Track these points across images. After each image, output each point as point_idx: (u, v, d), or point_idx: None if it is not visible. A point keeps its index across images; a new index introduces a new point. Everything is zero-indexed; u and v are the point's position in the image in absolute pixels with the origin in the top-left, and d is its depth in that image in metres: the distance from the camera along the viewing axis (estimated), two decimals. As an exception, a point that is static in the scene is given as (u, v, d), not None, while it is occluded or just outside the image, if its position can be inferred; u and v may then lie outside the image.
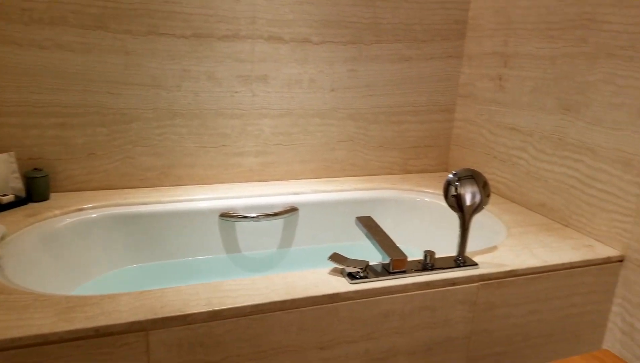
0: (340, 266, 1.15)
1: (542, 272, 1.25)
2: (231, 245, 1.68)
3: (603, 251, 1.34)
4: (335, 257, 1.16)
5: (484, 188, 1.21)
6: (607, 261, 1.31)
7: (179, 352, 0.97)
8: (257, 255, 1.71)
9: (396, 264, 1.15)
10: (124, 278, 1.52)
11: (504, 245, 1.35)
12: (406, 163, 2.00)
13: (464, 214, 1.20)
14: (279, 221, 1.71)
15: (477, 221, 1.60)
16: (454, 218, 1.68)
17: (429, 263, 1.19)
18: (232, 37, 1.65)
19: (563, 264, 1.26)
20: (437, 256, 1.24)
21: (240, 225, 1.67)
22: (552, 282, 1.27)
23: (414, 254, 1.27)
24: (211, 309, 0.98)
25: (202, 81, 1.65)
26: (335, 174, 1.91)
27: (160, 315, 0.94)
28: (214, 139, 1.71)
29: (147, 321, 0.93)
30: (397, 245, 1.21)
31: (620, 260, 1.33)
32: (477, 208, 1.20)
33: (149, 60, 1.57)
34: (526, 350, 1.31)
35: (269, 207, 1.67)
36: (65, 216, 1.44)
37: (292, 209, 1.69)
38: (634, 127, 1.30)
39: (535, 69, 1.62)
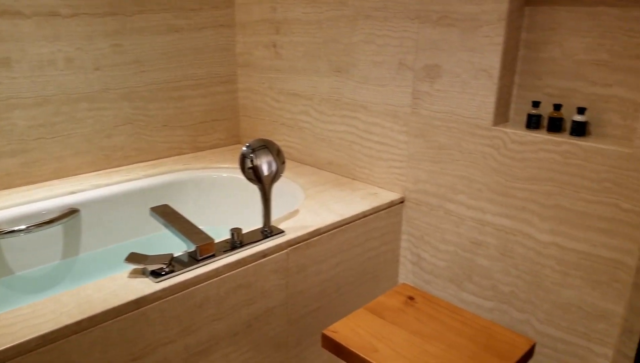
0: (141, 266, 1.03)
1: (341, 226, 1.33)
2: (-2, 269, 1.37)
3: (386, 196, 1.49)
4: (133, 257, 1.03)
5: (278, 155, 1.21)
6: (391, 204, 1.47)
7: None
8: (36, 273, 1.44)
9: (203, 249, 1.08)
10: None
11: (304, 206, 1.39)
12: (196, 141, 1.90)
13: (264, 185, 1.19)
14: (56, 229, 1.46)
15: (276, 188, 1.62)
16: (255, 189, 1.67)
17: (237, 240, 1.15)
18: (-53, 11, 1.29)
19: (357, 214, 1.36)
20: (244, 231, 1.21)
21: (6, 242, 1.37)
22: (350, 233, 1.36)
23: (223, 234, 1.21)
24: (-20, 358, 0.77)
25: None
26: (118, 163, 1.71)
27: None
28: (-54, 143, 1.35)
29: None
30: (203, 228, 1.14)
31: (401, 201, 1.50)
32: (274, 176, 1.20)
33: None
34: (338, 300, 1.40)
35: (41, 214, 1.41)
36: None
37: (71, 212, 1.45)
38: (395, 81, 1.45)
39: (305, 34, 1.67)
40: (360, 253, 1.42)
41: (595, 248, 1.14)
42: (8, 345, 0.81)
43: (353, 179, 1.64)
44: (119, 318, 0.93)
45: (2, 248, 1.37)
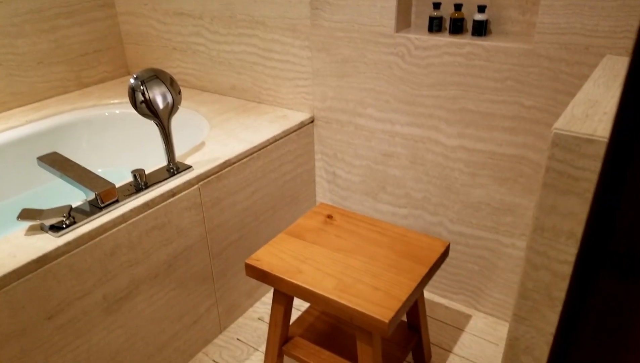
0: (37, 222, 0.97)
1: (252, 153, 1.32)
2: None
3: (296, 117, 1.49)
4: (27, 214, 0.97)
5: (172, 85, 1.15)
6: (301, 125, 1.47)
7: None
8: None
9: (105, 196, 1.04)
10: None
11: (210, 138, 1.36)
12: (79, 76, 1.76)
13: (161, 119, 1.14)
14: None
15: (178, 120, 1.56)
16: (153, 124, 1.59)
17: (140, 182, 1.11)
18: None
19: (267, 140, 1.36)
20: (148, 171, 1.17)
21: None
22: (262, 159, 1.36)
23: (125, 177, 1.16)
24: None
25: None
26: (-8, 111, 1.55)
27: None
28: None
29: None
30: (101, 171, 1.09)
31: (311, 121, 1.51)
32: (172, 109, 1.15)
33: None
34: (259, 227, 1.43)
35: None
36: None
37: (-55, 172, 1.32)
38: (292, -6, 1.40)
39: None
40: (275, 179, 1.43)
41: (500, 147, 1.24)
42: None
43: (259, 103, 1.61)
44: (21, 280, 0.89)
45: None
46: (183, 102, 1.61)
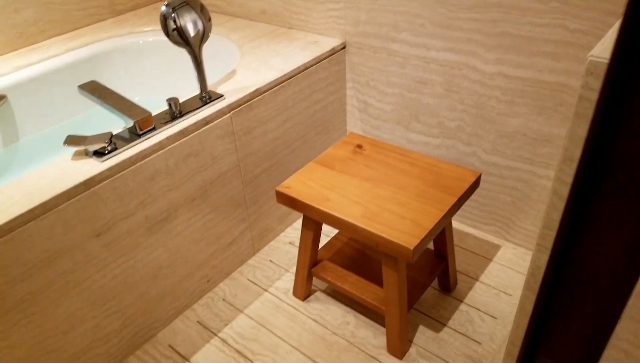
0: (82, 147, 1.07)
1: (283, 82, 1.36)
2: None
3: (327, 44, 1.50)
4: (72, 139, 1.07)
5: (203, 12, 1.18)
6: (333, 52, 1.49)
7: None
8: (-22, 167, 1.47)
9: (142, 124, 1.12)
10: None
11: (241, 65, 1.41)
12: (113, 3, 1.81)
13: (192, 47, 1.19)
14: (-14, 119, 1.46)
15: (209, 48, 1.60)
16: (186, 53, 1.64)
17: (175, 111, 1.18)
18: None
19: (298, 67, 1.39)
20: (182, 100, 1.24)
21: None
22: (293, 88, 1.40)
23: (160, 105, 1.24)
24: (-58, 256, 0.85)
25: None
26: (34, 39, 1.64)
27: None
28: None
29: None
30: (137, 100, 1.17)
31: (343, 47, 1.52)
32: (203, 37, 1.19)
33: None
34: (290, 156, 1.50)
35: (-36, 106, 1.40)
36: None
37: (-4, 100, 1.44)
38: None
39: None
40: (306, 107, 1.48)
41: (541, 74, 1.22)
42: (-34, 241, 0.88)
43: (290, 28, 1.62)
44: (71, 201, 1.00)
45: None
46: (214, 29, 1.64)
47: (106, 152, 1.07)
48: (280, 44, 1.52)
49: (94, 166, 1.04)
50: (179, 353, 1.24)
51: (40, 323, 1.02)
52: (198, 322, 1.32)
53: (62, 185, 1.00)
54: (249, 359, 1.22)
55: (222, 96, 1.25)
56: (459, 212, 1.57)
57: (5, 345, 0.98)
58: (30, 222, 0.95)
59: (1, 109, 1.47)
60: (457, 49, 1.32)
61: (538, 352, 0.78)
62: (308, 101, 1.47)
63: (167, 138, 1.14)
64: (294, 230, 1.59)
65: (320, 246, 1.39)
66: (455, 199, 1.15)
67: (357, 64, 1.53)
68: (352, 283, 1.27)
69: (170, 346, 1.26)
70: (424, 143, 1.52)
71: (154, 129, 1.14)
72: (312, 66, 1.43)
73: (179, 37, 1.16)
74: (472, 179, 1.22)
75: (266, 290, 1.39)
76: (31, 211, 0.95)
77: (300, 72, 1.40)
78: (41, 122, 1.57)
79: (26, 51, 1.60)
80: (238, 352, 1.24)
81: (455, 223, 1.58)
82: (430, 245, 1.48)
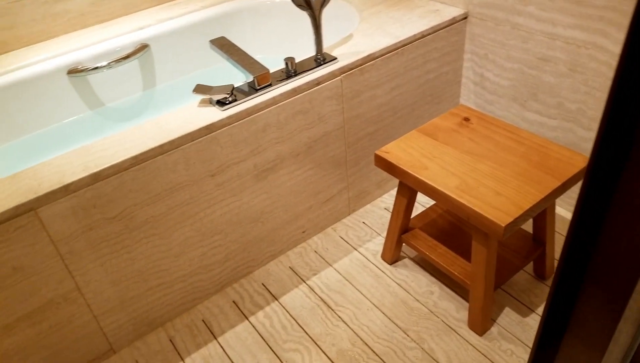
0: (207, 96, 1.26)
1: (397, 49, 1.44)
2: (92, 101, 1.69)
3: (448, 12, 1.54)
4: (200, 88, 1.26)
5: (327, -22, 1.30)
6: (453, 22, 1.52)
7: (75, 218, 1.09)
8: (124, 104, 1.75)
9: (260, 79, 1.28)
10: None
11: (358, 30, 1.50)
12: (252, -38, 1.98)
13: (313, 10, 1.31)
14: (133, 64, 1.72)
15: (329, 11, 1.71)
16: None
17: (291, 70, 1.32)
18: None
19: (414, 36, 1.45)
20: (298, 60, 1.38)
21: (93, 78, 1.67)
22: (407, 55, 1.47)
23: (279, 63, 1.38)
24: (90, 172, 1.08)
25: None
26: (177, -6, 1.87)
27: (41, 192, 1.03)
28: (21, -12, 1.58)
29: (29, 201, 1.02)
30: (259, 57, 1.32)
31: (465, 17, 1.55)
32: (324, 1, 1.31)
33: None
34: (396, 123, 1.58)
35: (117, 51, 1.66)
36: None
37: (142, 47, 1.69)
38: None
39: None
40: (418, 76, 1.54)
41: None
42: (107, 165, 1.10)
43: (414, -4, 1.68)
44: (194, 141, 1.19)
45: (91, 83, 1.67)
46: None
47: (227, 102, 1.24)
48: (400, 11, 1.58)
49: (215, 114, 1.22)
50: (269, 292, 1.42)
51: (158, 244, 1.24)
52: (290, 267, 1.48)
53: (188, 127, 1.19)
54: (331, 308, 1.36)
55: (336, 58, 1.36)
56: (566, 199, 1.55)
57: (128, 257, 1.21)
58: (159, 156, 1.16)
59: (144, 57, 1.73)
60: (586, 27, 1.29)
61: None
62: (420, 70, 1.53)
63: (281, 95, 1.28)
64: (391, 197, 1.69)
65: (414, 215, 1.47)
66: (559, 183, 1.16)
67: (477, 35, 1.55)
68: (441, 254, 1.34)
69: (263, 284, 1.44)
70: (540, 123, 1.51)
71: (270, 85, 1.29)
72: (429, 34, 1.48)
73: (303, 0, 1.29)
74: (583, 165, 1.20)
75: (356, 249, 1.51)
76: (161, 146, 1.15)
77: (415, 40, 1.46)
78: (176, 71, 1.81)
79: (168, 5, 1.84)
80: (323, 300, 1.38)
81: (561, 209, 1.56)
82: (530, 229, 1.49)
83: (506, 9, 1.44)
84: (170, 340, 1.33)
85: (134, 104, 1.77)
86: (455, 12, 1.54)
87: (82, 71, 1.61)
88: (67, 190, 1.06)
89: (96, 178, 1.09)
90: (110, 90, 1.72)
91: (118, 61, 1.63)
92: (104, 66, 1.62)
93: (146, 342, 1.33)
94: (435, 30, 1.49)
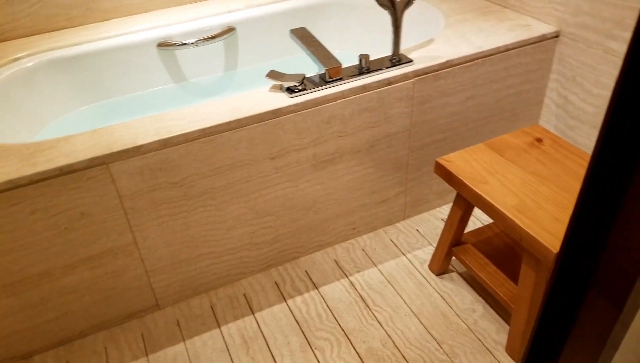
0: (279, 82, 1.33)
1: (477, 59, 1.44)
2: (176, 75, 1.83)
3: (538, 29, 1.51)
4: (273, 74, 1.33)
5: (413, -20, 1.32)
6: (542, 38, 1.49)
7: (142, 177, 1.20)
8: (205, 81, 1.87)
9: (332, 72, 1.33)
10: (77, 120, 1.71)
11: (440, 36, 1.52)
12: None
13: (395, 11, 1.34)
14: (219, 44, 1.83)
15: (414, 14, 1.72)
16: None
17: (364, 66, 1.36)
18: None
19: (498, 48, 1.44)
20: (373, 58, 1.42)
21: (180, 53, 1.80)
22: (487, 67, 1.47)
23: (354, 59, 1.42)
24: (161, 138, 1.18)
25: None
26: (273, -18, 1.97)
27: (115, 149, 1.15)
28: (132, -38, 1.74)
29: (104, 156, 1.14)
30: (338, 52, 1.37)
31: (556, 35, 1.51)
32: (407, 3, 1.34)
33: None
34: (465, 134, 1.57)
35: (206, 30, 1.78)
36: (2, 69, 1.56)
37: (229, 30, 1.80)
38: None
39: None
40: (497, 90, 1.52)
41: None
42: (177, 133, 1.20)
43: (504, 7, 1.65)
44: (260, 123, 1.27)
45: (178, 58, 1.80)
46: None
47: (297, 90, 1.31)
48: (488, 22, 1.58)
49: (284, 100, 1.29)
50: (311, 280, 1.47)
51: (213, 214, 1.33)
52: (335, 260, 1.53)
53: (256, 109, 1.26)
54: (368, 307, 1.39)
55: (411, 61, 1.39)
56: None
57: (184, 222, 1.31)
58: (225, 132, 1.24)
59: (229, 39, 1.84)
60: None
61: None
62: (501, 84, 1.52)
63: (350, 90, 1.33)
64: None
65: (470, 231, 1.47)
66: (625, 220, 1.12)
67: (567, 55, 1.51)
68: (489, 273, 1.33)
69: (306, 272, 1.50)
70: (620, 157, 1.45)
71: (340, 79, 1.34)
72: (514, 48, 1.47)
73: (387, 0, 1.33)
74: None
75: (404, 254, 1.53)
76: (228, 123, 1.23)
77: (498, 53, 1.45)
78: (258, 56, 1.91)
79: (263, -8, 1.94)
80: (361, 297, 1.42)
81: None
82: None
83: (601, 32, 1.40)
84: (211, 307, 1.42)
85: (214, 82, 1.88)
86: (546, 29, 1.51)
87: (171, 45, 1.74)
88: (138, 151, 1.17)
89: (165, 143, 1.19)
90: (195, 66, 1.84)
91: (205, 40, 1.75)
92: (192, 43, 1.75)
93: (189, 304, 1.43)
94: (521, 45, 1.47)
